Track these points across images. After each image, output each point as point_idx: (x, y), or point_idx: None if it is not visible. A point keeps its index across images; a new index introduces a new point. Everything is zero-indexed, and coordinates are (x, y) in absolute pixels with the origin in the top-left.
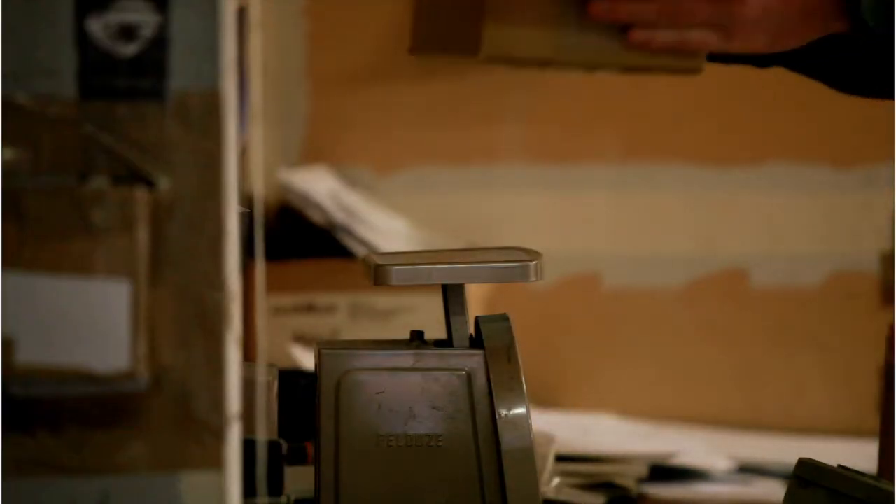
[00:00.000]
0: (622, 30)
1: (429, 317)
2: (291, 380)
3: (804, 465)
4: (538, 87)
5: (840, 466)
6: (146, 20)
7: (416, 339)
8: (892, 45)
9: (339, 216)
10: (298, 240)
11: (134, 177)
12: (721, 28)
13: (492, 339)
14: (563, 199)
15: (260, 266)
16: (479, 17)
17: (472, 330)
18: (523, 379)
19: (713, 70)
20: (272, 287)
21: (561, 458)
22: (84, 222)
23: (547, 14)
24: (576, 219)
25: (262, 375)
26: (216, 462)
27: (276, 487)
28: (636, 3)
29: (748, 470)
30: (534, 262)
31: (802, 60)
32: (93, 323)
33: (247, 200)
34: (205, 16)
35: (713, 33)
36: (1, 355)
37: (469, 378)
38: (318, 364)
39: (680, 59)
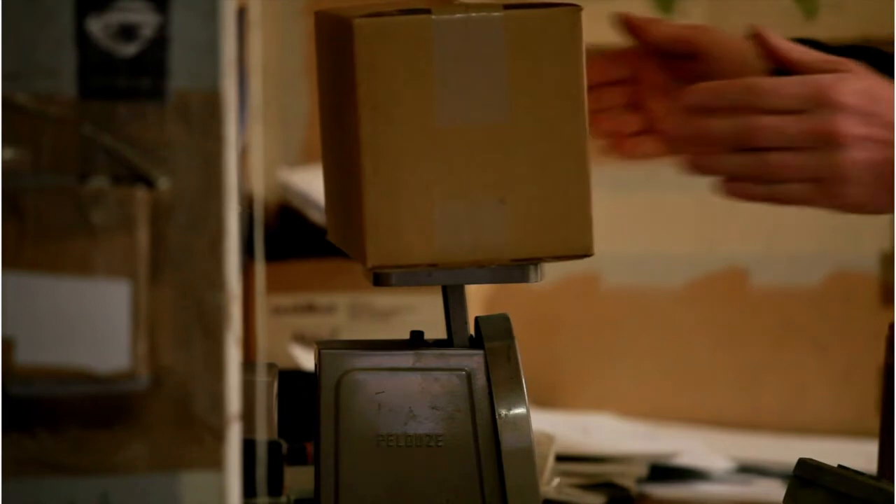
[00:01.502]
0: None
1: (429, 317)
2: (291, 380)
3: (804, 465)
4: None
5: (840, 466)
6: (146, 20)
7: (416, 339)
8: None
9: None
10: (298, 240)
11: (134, 177)
12: (820, 181)
13: (492, 339)
14: None
15: (260, 266)
16: (363, 231)
17: (472, 330)
18: (523, 379)
19: None
20: (272, 287)
21: (561, 458)
22: (84, 222)
23: (427, 221)
24: None
25: (262, 375)
26: (216, 462)
27: (276, 487)
28: (730, 156)
29: (748, 470)
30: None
31: None
32: (93, 323)
33: (247, 200)
34: (205, 16)
35: (809, 186)
36: (1, 355)
37: (469, 378)
38: (318, 364)
39: (568, 245)
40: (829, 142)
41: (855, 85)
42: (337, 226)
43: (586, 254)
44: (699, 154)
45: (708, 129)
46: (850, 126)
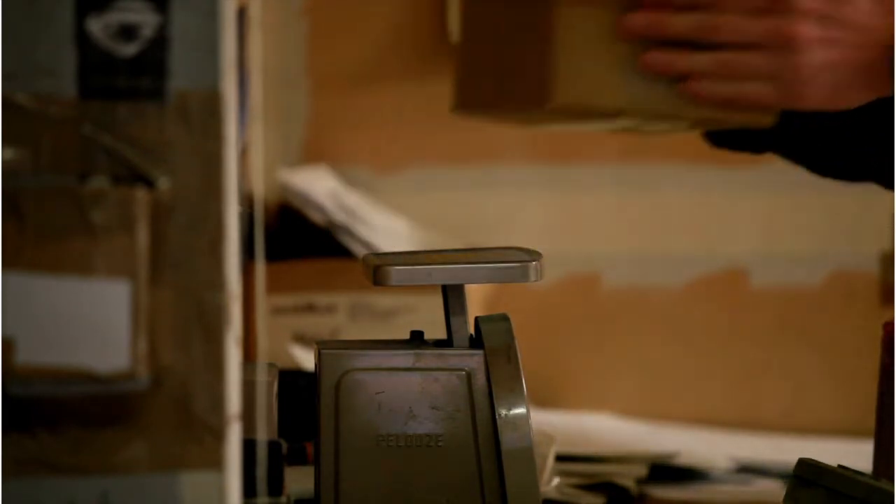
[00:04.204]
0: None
1: (429, 317)
2: (291, 380)
3: (804, 465)
4: None
5: (840, 466)
6: (146, 20)
7: (416, 339)
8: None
9: (340, 216)
10: (298, 240)
11: (134, 177)
12: (779, 81)
13: (492, 339)
14: (564, 199)
15: (260, 266)
16: (550, 63)
17: (472, 330)
18: (523, 379)
19: None
20: (272, 287)
21: (561, 458)
22: (84, 222)
23: (619, 61)
24: (576, 218)
25: (262, 375)
26: (216, 462)
27: (276, 487)
28: (691, 54)
29: (748, 470)
30: (534, 263)
31: (794, 146)
32: (93, 323)
33: (247, 200)
34: (205, 16)
35: (770, 87)
36: (1, 355)
37: (469, 378)
38: (318, 364)
39: (750, 113)
40: (786, 44)
41: None
42: (484, 82)
43: (767, 123)
44: (658, 51)
45: (667, 23)
46: (807, 29)
